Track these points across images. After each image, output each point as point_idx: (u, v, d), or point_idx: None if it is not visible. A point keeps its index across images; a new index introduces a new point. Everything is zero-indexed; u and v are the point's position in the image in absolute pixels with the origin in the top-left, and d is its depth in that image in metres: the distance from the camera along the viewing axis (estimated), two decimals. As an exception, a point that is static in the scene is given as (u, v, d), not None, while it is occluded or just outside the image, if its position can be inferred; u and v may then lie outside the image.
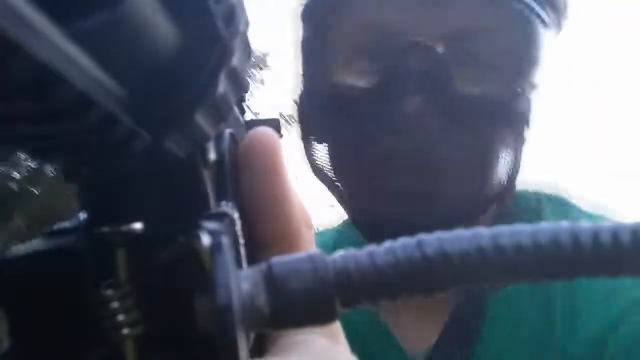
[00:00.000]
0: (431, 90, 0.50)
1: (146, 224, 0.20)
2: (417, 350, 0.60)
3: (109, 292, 0.19)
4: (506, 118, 0.53)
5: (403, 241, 0.21)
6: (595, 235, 0.20)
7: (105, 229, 0.20)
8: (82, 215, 0.21)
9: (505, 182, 0.54)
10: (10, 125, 0.14)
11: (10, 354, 0.20)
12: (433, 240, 0.20)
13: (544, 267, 0.20)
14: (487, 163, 0.53)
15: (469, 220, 0.52)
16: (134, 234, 0.20)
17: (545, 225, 0.20)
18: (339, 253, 0.21)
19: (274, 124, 0.49)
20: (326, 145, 0.58)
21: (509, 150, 0.53)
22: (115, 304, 0.19)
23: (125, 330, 0.19)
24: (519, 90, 0.53)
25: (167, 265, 0.20)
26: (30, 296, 0.20)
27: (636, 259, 0.20)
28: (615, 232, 0.20)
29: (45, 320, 0.20)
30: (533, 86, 0.54)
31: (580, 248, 0.20)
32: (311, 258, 0.20)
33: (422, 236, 0.21)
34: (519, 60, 0.53)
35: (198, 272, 0.19)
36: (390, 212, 0.53)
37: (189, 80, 0.17)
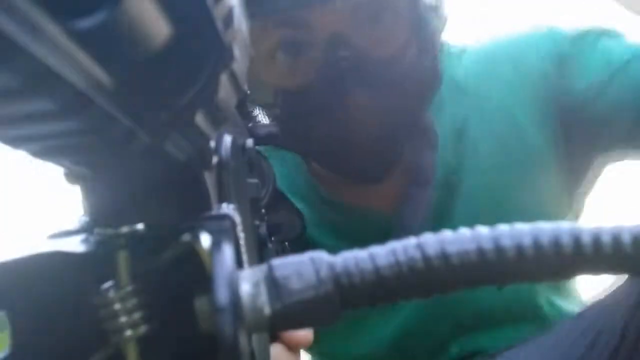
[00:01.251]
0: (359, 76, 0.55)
1: (147, 226, 0.20)
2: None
3: (111, 293, 0.20)
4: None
5: (403, 242, 0.21)
6: (596, 236, 0.20)
7: (106, 231, 0.20)
8: (84, 217, 0.22)
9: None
10: (11, 126, 0.14)
11: (12, 355, 0.20)
12: (434, 241, 0.20)
13: (544, 268, 0.20)
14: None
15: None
16: (135, 235, 0.20)
17: (546, 226, 0.20)
18: (340, 254, 0.21)
19: (275, 130, 0.49)
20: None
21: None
22: (117, 306, 0.20)
23: (128, 332, 0.19)
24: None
25: (168, 267, 0.20)
26: (32, 298, 0.20)
27: (636, 260, 0.20)
28: (616, 234, 0.20)
29: (47, 322, 0.20)
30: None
31: (581, 248, 0.20)
32: (312, 259, 0.20)
33: (423, 237, 0.21)
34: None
35: (198, 272, 0.19)
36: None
37: (188, 81, 0.17)
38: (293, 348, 0.50)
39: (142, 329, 0.20)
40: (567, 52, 0.65)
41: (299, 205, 0.64)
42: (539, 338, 0.59)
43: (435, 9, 0.59)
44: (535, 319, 0.67)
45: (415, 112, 0.61)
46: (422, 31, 0.58)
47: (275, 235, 0.53)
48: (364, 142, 0.58)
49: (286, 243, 0.55)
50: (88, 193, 0.21)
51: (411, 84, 0.58)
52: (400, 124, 0.59)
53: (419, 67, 0.58)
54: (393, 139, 0.60)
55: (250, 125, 0.45)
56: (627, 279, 0.51)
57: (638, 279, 0.49)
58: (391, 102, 0.57)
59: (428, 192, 0.64)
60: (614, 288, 0.53)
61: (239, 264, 0.21)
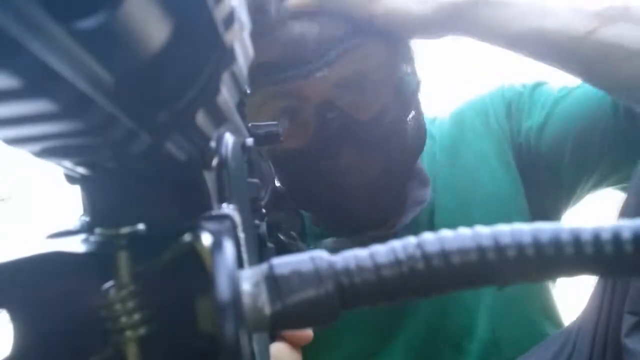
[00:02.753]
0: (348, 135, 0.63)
1: (148, 226, 0.20)
2: None
3: (111, 294, 0.20)
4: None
5: (404, 242, 0.21)
6: (596, 235, 0.20)
7: (106, 231, 0.20)
8: (84, 217, 0.22)
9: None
10: (11, 126, 0.14)
11: (13, 356, 0.20)
12: (434, 240, 0.20)
13: (544, 267, 0.20)
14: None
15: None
16: (135, 235, 0.20)
17: (546, 225, 0.20)
18: (340, 254, 0.21)
19: (274, 130, 0.49)
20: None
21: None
22: (117, 306, 0.20)
23: (128, 332, 0.19)
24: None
25: (168, 267, 0.20)
26: (32, 298, 0.20)
27: (636, 260, 0.20)
28: (616, 233, 0.20)
29: (48, 322, 0.20)
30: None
31: (581, 247, 0.20)
32: (312, 259, 0.20)
33: (423, 237, 0.21)
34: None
35: (199, 273, 0.19)
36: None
37: (189, 82, 0.17)
38: (295, 345, 0.51)
39: (143, 329, 0.20)
40: (513, 104, 0.76)
41: None
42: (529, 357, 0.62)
43: (411, 74, 0.69)
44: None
45: (407, 162, 0.69)
46: (402, 94, 0.67)
47: (275, 235, 0.53)
48: (358, 195, 0.65)
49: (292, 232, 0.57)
50: (88, 193, 0.21)
51: (397, 139, 0.66)
52: (391, 173, 0.67)
53: (402, 124, 0.67)
54: (387, 188, 0.67)
55: (250, 125, 0.46)
56: (596, 292, 0.54)
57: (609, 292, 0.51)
58: (378, 157, 0.65)
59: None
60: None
61: (240, 263, 0.21)
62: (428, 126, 0.75)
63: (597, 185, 0.73)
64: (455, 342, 0.72)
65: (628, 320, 0.49)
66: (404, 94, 0.67)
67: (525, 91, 0.76)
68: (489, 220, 0.72)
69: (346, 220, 0.68)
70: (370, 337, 0.73)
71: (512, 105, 0.76)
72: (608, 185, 0.73)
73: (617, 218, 0.58)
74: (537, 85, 0.76)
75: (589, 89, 0.69)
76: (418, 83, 0.69)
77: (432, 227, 0.74)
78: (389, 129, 0.65)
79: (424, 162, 0.76)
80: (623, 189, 0.71)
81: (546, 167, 0.73)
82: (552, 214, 0.77)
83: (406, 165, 0.69)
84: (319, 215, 0.73)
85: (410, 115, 0.68)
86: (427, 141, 0.73)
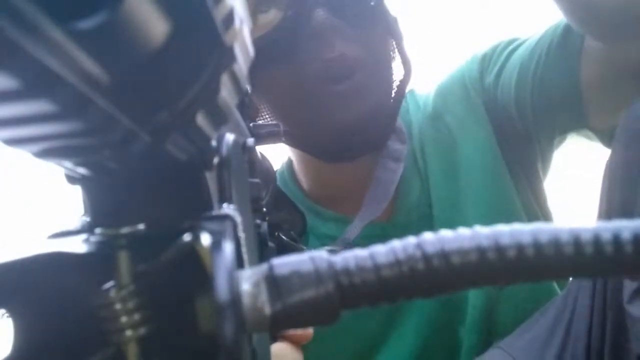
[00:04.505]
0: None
1: (148, 226, 0.20)
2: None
3: (111, 293, 0.20)
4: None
5: (404, 242, 0.21)
6: (596, 235, 0.20)
7: (107, 231, 0.20)
8: (84, 217, 0.22)
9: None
10: (11, 126, 0.14)
11: (13, 356, 0.20)
12: (434, 240, 0.20)
13: (544, 267, 0.20)
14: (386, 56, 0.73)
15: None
16: (136, 235, 0.20)
17: (545, 226, 0.20)
18: (340, 253, 0.21)
19: (276, 130, 0.49)
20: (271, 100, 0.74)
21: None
22: (117, 306, 0.20)
23: (128, 332, 0.19)
24: None
25: (169, 267, 0.20)
26: (32, 298, 0.20)
27: (636, 261, 0.20)
28: (616, 234, 0.20)
29: (48, 322, 0.20)
30: None
31: (581, 248, 0.20)
32: (312, 259, 0.20)
33: (423, 237, 0.21)
34: None
35: (199, 273, 0.19)
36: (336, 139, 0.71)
37: (189, 82, 0.17)
38: (296, 345, 0.52)
39: (143, 329, 0.20)
40: (484, 64, 0.80)
41: None
42: (531, 325, 0.63)
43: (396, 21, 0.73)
44: None
45: (391, 103, 0.74)
46: (394, 32, 0.72)
47: (276, 235, 0.53)
48: (358, 120, 0.69)
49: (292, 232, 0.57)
50: (89, 193, 0.21)
51: (386, 75, 0.72)
52: (380, 106, 0.72)
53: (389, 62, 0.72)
54: (374, 118, 0.71)
55: (251, 124, 0.46)
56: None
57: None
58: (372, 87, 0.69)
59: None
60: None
61: (240, 263, 0.21)
62: (415, 98, 0.83)
63: (563, 131, 0.76)
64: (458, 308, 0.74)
65: (628, 287, 0.49)
66: (396, 32, 0.72)
67: (495, 52, 0.79)
68: (474, 188, 0.77)
69: (343, 145, 0.71)
70: (382, 315, 0.75)
71: (483, 68, 0.80)
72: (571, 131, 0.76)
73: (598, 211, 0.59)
74: (508, 44, 0.78)
75: (537, 36, 0.73)
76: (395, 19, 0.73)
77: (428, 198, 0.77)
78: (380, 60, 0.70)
79: (413, 130, 0.80)
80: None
81: (518, 119, 0.75)
82: (531, 175, 0.80)
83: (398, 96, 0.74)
84: (314, 145, 0.75)
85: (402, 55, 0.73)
86: (414, 109, 0.80)
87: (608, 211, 0.55)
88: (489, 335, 0.73)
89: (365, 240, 0.69)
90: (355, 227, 0.73)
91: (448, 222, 0.73)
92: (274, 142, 0.61)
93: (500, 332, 0.70)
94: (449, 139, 0.79)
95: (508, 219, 0.73)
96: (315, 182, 0.82)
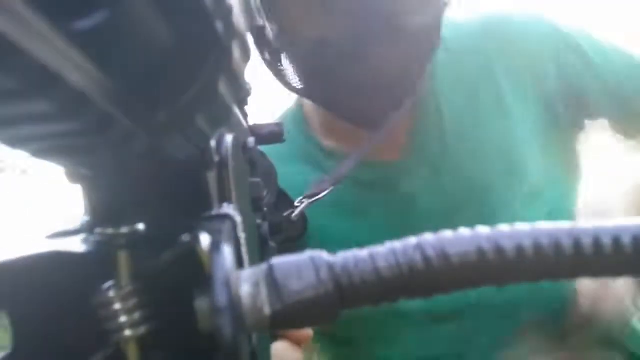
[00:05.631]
0: None
1: (148, 226, 0.20)
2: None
3: (111, 293, 0.20)
4: None
5: (404, 242, 0.21)
6: (596, 236, 0.20)
7: (106, 231, 0.20)
8: (84, 217, 0.22)
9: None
10: (10, 126, 0.14)
11: (13, 355, 0.20)
12: (434, 241, 0.20)
13: (544, 268, 0.20)
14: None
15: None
16: (135, 235, 0.20)
17: (545, 226, 0.20)
18: (340, 254, 0.21)
19: (278, 129, 0.49)
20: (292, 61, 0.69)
21: None
22: (117, 306, 0.20)
23: (128, 332, 0.20)
24: None
25: (168, 267, 0.20)
26: (32, 298, 0.20)
27: (636, 261, 0.20)
28: (616, 235, 0.20)
29: (47, 322, 0.20)
30: None
31: (580, 249, 0.20)
32: (312, 259, 0.20)
33: (423, 237, 0.21)
34: None
35: (198, 273, 0.19)
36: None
37: (188, 82, 0.17)
38: (296, 344, 0.52)
39: (142, 328, 0.20)
40: (568, 46, 0.73)
41: (302, 167, 0.70)
42: None
43: None
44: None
45: (421, 63, 0.68)
46: None
47: (277, 234, 0.53)
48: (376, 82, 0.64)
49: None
50: (89, 193, 0.21)
51: (420, 37, 0.65)
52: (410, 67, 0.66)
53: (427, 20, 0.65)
54: (401, 82, 0.67)
55: (251, 124, 0.46)
56: None
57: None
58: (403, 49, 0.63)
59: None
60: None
61: (240, 263, 0.21)
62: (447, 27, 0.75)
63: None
64: None
65: None
66: None
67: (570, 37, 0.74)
68: (493, 130, 0.71)
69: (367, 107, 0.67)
70: None
71: (568, 51, 0.73)
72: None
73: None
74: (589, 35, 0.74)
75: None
76: None
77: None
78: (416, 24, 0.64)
79: (437, 69, 0.74)
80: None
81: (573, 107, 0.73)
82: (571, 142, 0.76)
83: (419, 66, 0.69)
84: (337, 106, 0.71)
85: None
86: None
87: None
88: None
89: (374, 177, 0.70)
90: (351, 160, 0.70)
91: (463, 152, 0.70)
92: (275, 142, 0.61)
93: None
94: (481, 81, 0.74)
95: (525, 166, 0.71)
96: (327, 126, 0.78)
